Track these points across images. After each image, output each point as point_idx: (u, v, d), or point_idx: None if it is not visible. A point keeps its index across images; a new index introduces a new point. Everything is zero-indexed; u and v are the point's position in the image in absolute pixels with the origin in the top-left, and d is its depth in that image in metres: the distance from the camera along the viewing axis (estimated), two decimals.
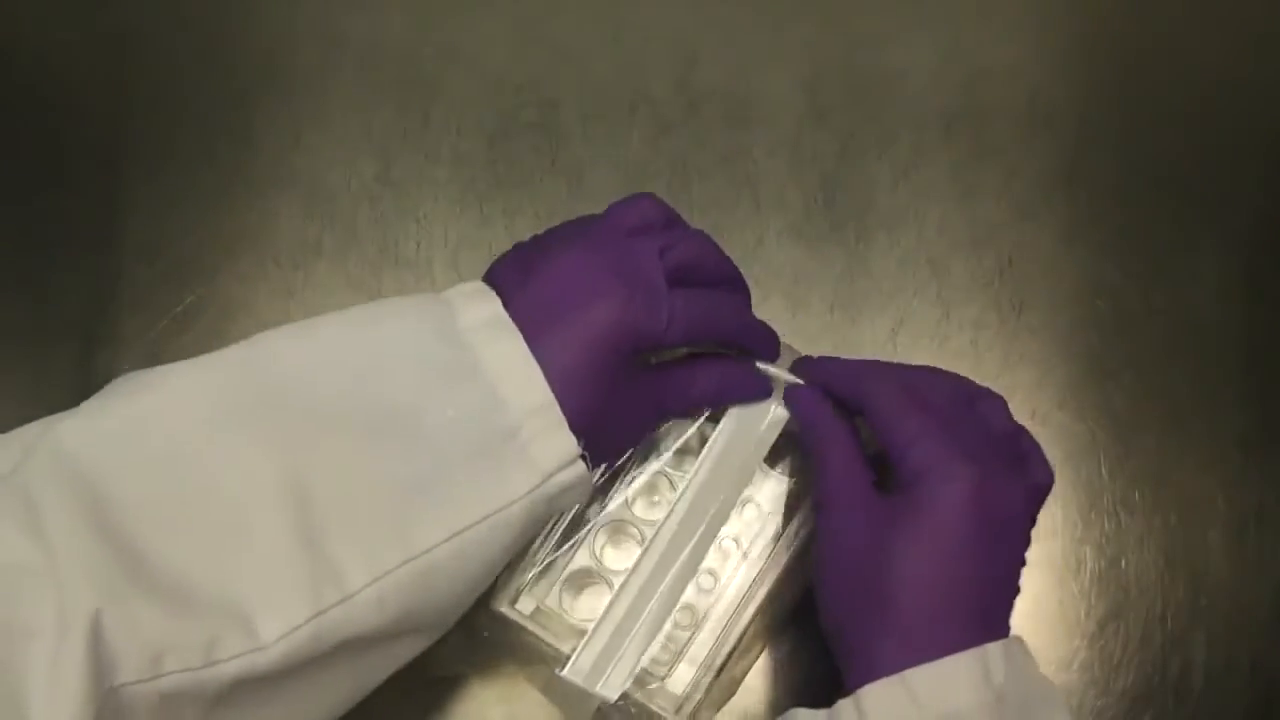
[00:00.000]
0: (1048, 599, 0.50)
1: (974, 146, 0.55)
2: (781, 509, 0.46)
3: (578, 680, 0.41)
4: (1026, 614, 0.50)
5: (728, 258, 0.42)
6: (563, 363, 0.37)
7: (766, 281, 0.53)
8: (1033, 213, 0.54)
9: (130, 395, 0.35)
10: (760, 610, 0.44)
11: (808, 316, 0.53)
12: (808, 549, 0.44)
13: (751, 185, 0.54)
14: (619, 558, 0.46)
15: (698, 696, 0.44)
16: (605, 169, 0.55)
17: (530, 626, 0.43)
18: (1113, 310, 0.53)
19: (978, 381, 0.43)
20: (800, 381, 0.43)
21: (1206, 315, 0.53)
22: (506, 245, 0.54)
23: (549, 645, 0.43)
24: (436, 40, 0.56)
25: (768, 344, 0.44)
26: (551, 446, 0.36)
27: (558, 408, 0.36)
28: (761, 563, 0.45)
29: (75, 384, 0.53)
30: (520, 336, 0.37)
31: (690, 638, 0.45)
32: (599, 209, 0.54)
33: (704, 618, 0.46)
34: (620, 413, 0.40)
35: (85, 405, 0.35)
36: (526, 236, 0.54)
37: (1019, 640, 0.38)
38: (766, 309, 0.53)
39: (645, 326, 0.38)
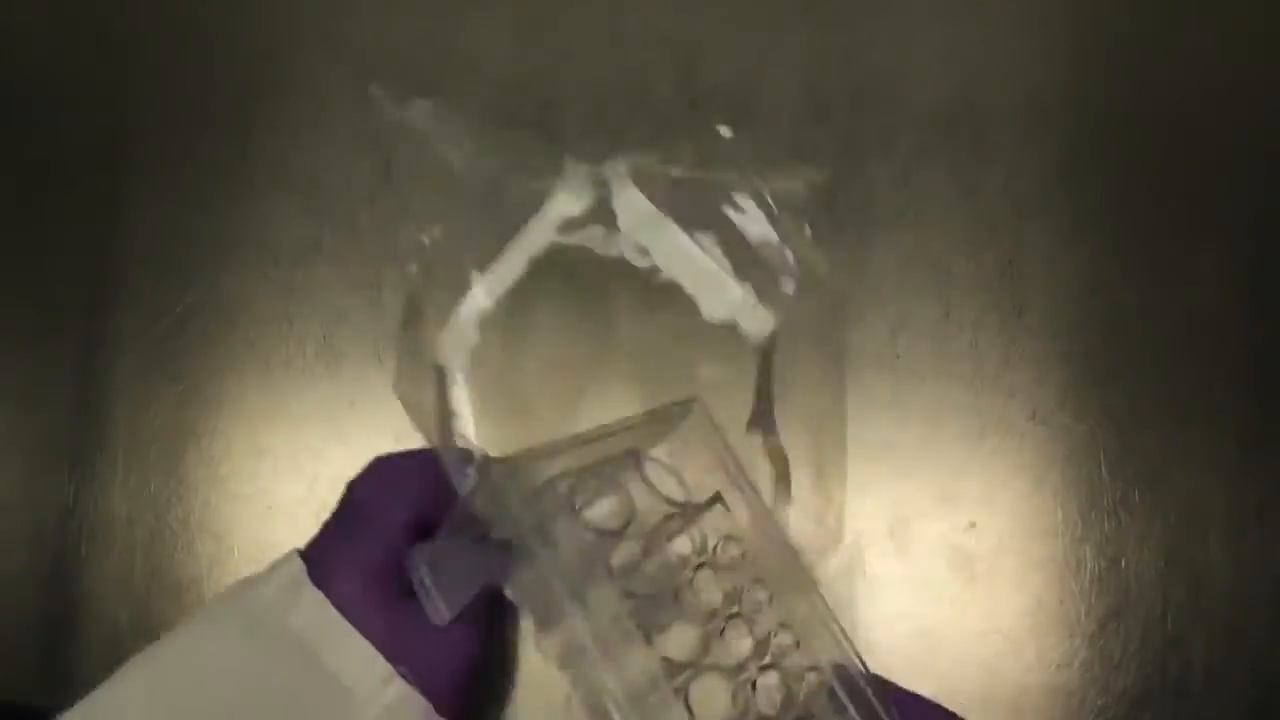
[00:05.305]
0: (1048, 599, 0.50)
1: (974, 146, 0.55)
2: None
3: None
4: (1026, 614, 0.50)
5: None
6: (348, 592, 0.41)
7: None
8: (1033, 213, 0.54)
9: None
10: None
11: None
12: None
13: None
14: None
15: None
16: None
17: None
18: (1113, 310, 0.53)
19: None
20: None
21: (1206, 315, 0.53)
22: None
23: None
24: (436, 40, 0.56)
25: None
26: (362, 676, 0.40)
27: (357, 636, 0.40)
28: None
29: (75, 384, 0.53)
30: (322, 597, 0.41)
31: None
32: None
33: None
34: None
35: None
36: None
37: None
38: None
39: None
